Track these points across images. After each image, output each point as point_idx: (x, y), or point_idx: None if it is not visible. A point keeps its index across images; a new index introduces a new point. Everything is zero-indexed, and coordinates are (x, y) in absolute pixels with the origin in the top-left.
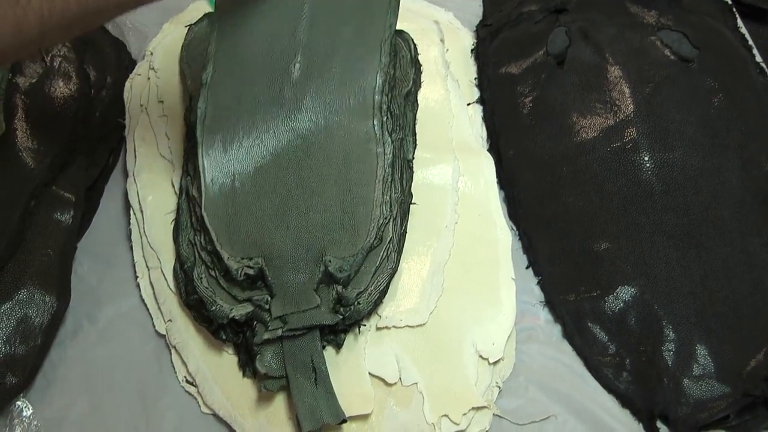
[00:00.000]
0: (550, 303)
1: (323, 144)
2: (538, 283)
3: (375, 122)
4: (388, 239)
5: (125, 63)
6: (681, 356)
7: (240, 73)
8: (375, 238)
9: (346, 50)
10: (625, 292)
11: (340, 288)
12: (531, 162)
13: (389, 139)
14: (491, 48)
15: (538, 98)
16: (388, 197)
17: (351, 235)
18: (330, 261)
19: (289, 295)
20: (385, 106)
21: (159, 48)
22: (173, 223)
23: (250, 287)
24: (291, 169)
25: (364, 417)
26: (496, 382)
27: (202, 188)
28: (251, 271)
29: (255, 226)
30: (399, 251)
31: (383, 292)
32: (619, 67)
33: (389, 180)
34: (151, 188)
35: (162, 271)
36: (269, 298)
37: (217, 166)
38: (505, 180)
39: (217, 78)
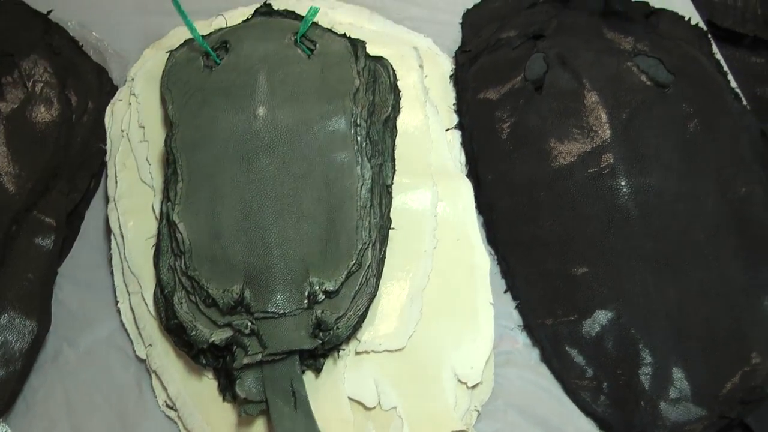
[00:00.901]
0: (528, 327)
1: (304, 173)
2: (517, 307)
3: (354, 149)
4: (368, 264)
5: (107, 88)
6: (658, 379)
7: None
8: (355, 263)
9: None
10: (603, 316)
11: (319, 312)
12: (509, 187)
13: (368, 164)
14: (470, 74)
15: (517, 123)
16: (367, 222)
17: (334, 260)
18: (315, 282)
19: (270, 320)
20: (364, 132)
21: (140, 73)
22: (154, 248)
23: (230, 312)
24: (273, 197)
25: None
26: (475, 406)
27: (185, 239)
28: (233, 298)
29: (238, 253)
30: (378, 276)
31: (362, 317)
32: (596, 92)
33: (368, 205)
34: (131, 213)
35: (142, 296)
36: (249, 323)
37: (200, 203)
38: (483, 205)
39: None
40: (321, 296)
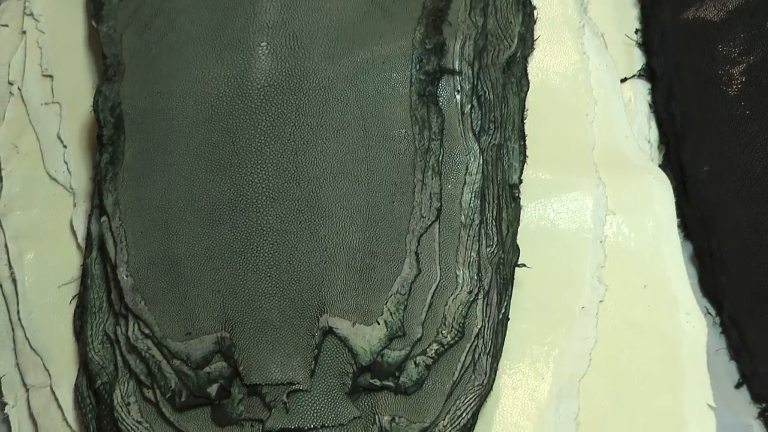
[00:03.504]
0: None
1: (331, 152)
2: (761, 414)
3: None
4: (475, 332)
5: None
6: None
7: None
8: (450, 329)
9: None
10: None
11: (387, 422)
12: (748, 188)
13: (476, 146)
14: None
15: (759, 68)
16: (473, 254)
17: (407, 323)
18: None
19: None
20: (468, 86)
21: None
22: (75, 302)
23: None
24: (274, 193)
25: None
26: None
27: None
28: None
29: (215, 292)
30: (495, 355)
31: (468, 429)
32: None
33: (476, 222)
34: (32, 238)
35: (53, 392)
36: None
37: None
38: (695, 221)
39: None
40: (385, 391)
